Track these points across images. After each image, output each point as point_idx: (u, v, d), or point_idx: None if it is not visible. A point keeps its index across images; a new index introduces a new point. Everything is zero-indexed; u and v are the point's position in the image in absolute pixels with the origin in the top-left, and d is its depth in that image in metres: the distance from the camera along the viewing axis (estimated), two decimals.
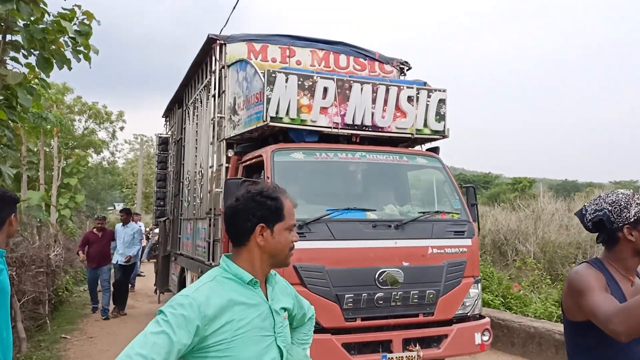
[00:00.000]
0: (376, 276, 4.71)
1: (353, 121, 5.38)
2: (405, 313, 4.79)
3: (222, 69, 6.33)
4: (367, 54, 6.94)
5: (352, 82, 5.44)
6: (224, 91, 6.31)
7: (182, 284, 8.48)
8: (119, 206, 37.29)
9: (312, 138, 5.37)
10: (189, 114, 8.37)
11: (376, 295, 4.68)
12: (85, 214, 22.21)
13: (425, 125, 5.66)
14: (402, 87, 5.58)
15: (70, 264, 14.37)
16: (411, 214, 5.18)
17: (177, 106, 9.76)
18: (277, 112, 5.14)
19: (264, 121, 5.16)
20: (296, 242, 1.96)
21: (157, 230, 11.63)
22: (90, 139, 23.14)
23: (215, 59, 6.39)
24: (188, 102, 8.52)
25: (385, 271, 4.73)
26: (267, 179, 4.88)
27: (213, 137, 6.47)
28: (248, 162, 5.69)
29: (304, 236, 4.63)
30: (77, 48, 6.24)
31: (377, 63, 6.97)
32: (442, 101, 5.73)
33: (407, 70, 7.09)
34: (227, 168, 6.13)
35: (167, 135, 11.12)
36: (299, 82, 5.23)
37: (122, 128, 26.26)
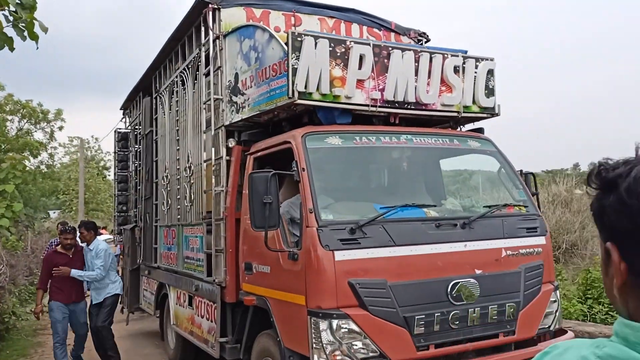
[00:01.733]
0: (448, 290, 3.71)
1: (394, 97, 4.35)
2: (483, 334, 3.82)
3: (217, 40, 5.13)
4: (381, 24, 5.93)
5: (390, 48, 4.41)
6: (219, 67, 5.11)
7: (160, 303, 7.19)
8: (54, 214, 34.41)
9: (344, 119, 4.30)
10: (162, 101, 7.07)
11: (451, 314, 3.68)
12: (24, 224, 19.96)
13: (473, 101, 4.72)
14: (446, 55, 4.61)
15: (14, 282, 12.54)
16: (475, 209, 4.23)
17: (141, 95, 8.38)
18: (305, 86, 4.04)
19: (289, 98, 4.04)
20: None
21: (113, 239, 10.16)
22: (26, 140, 20.87)
23: (208, 28, 5.18)
24: (160, 87, 7.21)
25: (458, 282, 3.74)
26: (303, 171, 3.77)
27: (208, 125, 5.27)
28: (261, 153, 4.56)
29: (357, 242, 3.58)
30: (20, 25, 4.97)
31: (392, 34, 5.97)
32: (490, 72, 4.80)
33: (426, 42, 6.13)
34: (228, 161, 4.97)
35: (127, 131, 9.69)
36: (330, 48, 4.15)
37: (61, 128, 23.97)
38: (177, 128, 6.34)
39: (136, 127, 9.02)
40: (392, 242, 3.65)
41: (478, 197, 4.63)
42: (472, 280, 3.80)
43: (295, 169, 3.82)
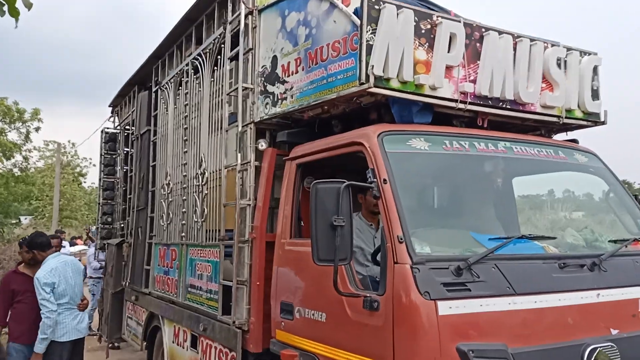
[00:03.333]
0: (584, 358, 2.66)
1: (490, 91, 3.34)
2: None
3: (250, 16, 4.07)
4: (438, 12, 4.94)
5: (484, 30, 3.41)
6: (250, 49, 4.04)
7: (150, 337, 5.98)
8: (26, 220, 32.58)
9: (425, 117, 3.25)
10: (165, 95, 5.94)
11: None
12: None
13: (578, 104, 3.73)
14: (547, 45, 3.63)
15: None
16: (599, 244, 3.20)
17: (137, 89, 7.25)
18: (384, 70, 2.99)
19: (360, 84, 2.98)
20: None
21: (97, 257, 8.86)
22: None
23: (239, 1, 4.12)
24: (163, 79, 6.09)
25: (596, 348, 2.69)
26: (385, 183, 2.71)
27: (232, 121, 4.18)
28: (308, 158, 3.49)
29: (467, 289, 2.51)
30: None
31: None
32: (595, 70, 3.84)
33: None
34: (257, 168, 3.89)
35: (115, 131, 8.51)
36: (414, 23, 3.13)
37: (37, 129, 22.34)
38: (185, 126, 5.21)
39: (127, 127, 7.87)
40: (512, 289, 2.60)
41: (596, 227, 3.61)
42: (611, 344, 2.76)
43: (374, 180, 2.74)
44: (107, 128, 8.63)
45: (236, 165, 3.99)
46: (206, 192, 4.56)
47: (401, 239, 2.53)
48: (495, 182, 3.39)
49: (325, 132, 3.59)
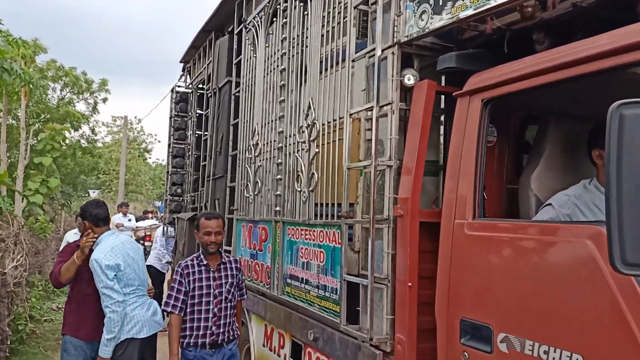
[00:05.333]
0: None
1: None
2: None
3: None
4: None
5: None
6: None
7: None
8: (94, 194, 33.20)
9: None
10: (252, 35, 4.71)
11: None
12: (59, 202, 18.20)
13: None
14: None
15: (40, 271, 10.58)
16: None
17: (213, 37, 6.11)
18: None
19: None
20: None
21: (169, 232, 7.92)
22: (68, 110, 19.05)
23: None
24: (249, 14, 4.88)
25: None
26: None
27: (360, 48, 2.90)
28: (509, 88, 2.16)
29: None
30: None
31: None
32: None
33: None
34: (403, 112, 2.62)
35: (187, 90, 7.48)
36: None
37: (105, 100, 22.06)
38: (282, 68, 3.98)
39: (200, 85, 6.82)
40: None
41: None
42: None
43: None
44: (179, 86, 7.62)
45: (370, 109, 2.72)
46: (317, 150, 3.31)
47: None
48: None
49: (517, 55, 2.25)
